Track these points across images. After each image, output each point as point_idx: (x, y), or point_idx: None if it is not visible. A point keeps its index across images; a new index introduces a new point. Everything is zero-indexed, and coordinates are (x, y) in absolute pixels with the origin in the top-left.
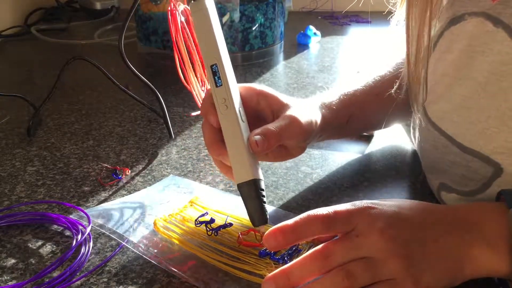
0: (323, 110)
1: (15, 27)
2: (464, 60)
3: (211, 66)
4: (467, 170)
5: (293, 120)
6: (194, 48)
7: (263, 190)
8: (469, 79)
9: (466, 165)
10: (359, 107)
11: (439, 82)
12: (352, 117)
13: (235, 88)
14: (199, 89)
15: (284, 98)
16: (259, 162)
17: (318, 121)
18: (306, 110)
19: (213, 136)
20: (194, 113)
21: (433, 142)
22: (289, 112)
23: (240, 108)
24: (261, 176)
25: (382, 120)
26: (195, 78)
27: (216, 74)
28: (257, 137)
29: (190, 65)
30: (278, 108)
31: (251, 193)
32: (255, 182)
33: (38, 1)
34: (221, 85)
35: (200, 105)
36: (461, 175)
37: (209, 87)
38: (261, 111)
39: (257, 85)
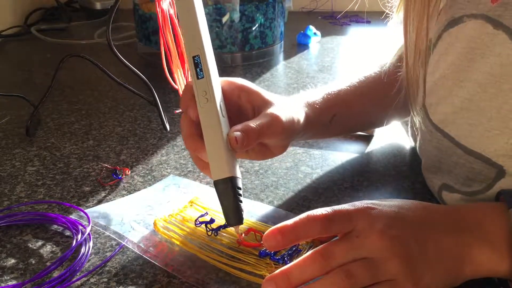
0: (306, 109)
1: (15, 27)
2: (464, 63)
3: (194, 57)
4: (471, 171)
5: (275, 118)
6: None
7: (240, 188)
8: (470, 81)
9: (469, 167)
10: (343, 107)
11: (439, 84)
12: (335, 117)
13: (217, 82)
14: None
15: (266, 94)
16: (258, 163)
17: (301, 120)
18: (288, 108)
19: (191, 130)
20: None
21: (436, 143)
22: (271, 110)
23: (221, 103)
24: (239, 174)
25: (370, 119)
26: (182, 73)
27: (198, 65)
28: (237, 133)
29: (178, 60)
30: (260, 104)
31: (227, 191)
32: (232, 180)
33: (38, 1)
34: (203, 77)
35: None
36: (465, 176)
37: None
38: (242, 106)
39: (239, 80)
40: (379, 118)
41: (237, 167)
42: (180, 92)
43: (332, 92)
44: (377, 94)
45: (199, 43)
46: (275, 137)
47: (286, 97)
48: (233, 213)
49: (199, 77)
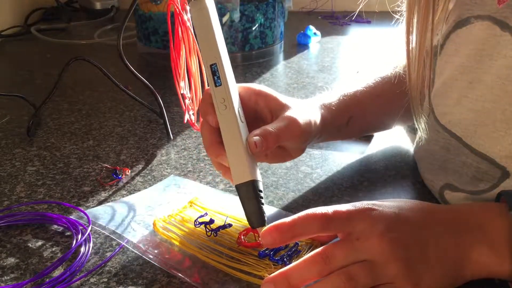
0: (322, 111)
1: (15, 27)
2: (472, 64)
3: (211, 65)
4: (478, 171)
5: (292, 121)
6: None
7: (261, 191)
8: (477, 82)
9: (477, 166)
10: (360, 108)
11: (447, 85)
12: (352, 118)
13: (234, 88)
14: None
15: (283, 98)
16: (258, 163)
17: (318, 122)
18: (305, 111)
19: (211, 137)
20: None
21: (443, 143)
22: (288, 113)
23: (239, 109)
24: (259, 177)
25: (384, 122)
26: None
27: (215, 73)
28: (256, 138)
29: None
30: (277, 108)
31: (249, 194)
32: (254, 183)
33: (38, 1)
34: (221, 85)
35: (184, 109)
36: (472, 176)
37: (207, 87)
38: (259, 111)
39: (256, 85)
40: (395, 119)
41: (258, 170)
42: (181, 99)
43: (348, 94)
44: (393, 95)
45: (215, 52)
46: (293, 140)
47: (302, 100)
48: (256, 216)
49: (217, 84)
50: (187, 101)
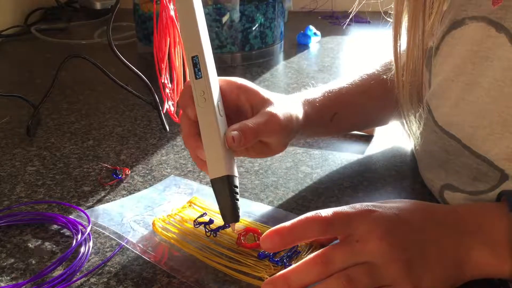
0: (306, 107)
1: (15, 27)
2: (468, 65)
3: (192, 57)
4: (478, 172)
5: (272, 117)
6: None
7: (236, 187)
8: (473, 84)
9: (477, 168)
10: (344, 105)
11: (444, 86)
12: (336, 115)
13: (215, 81)
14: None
15: (265, 93)
16: (259, 164)
17: (300, 118)
18: (286, 106)
19: (190, 129)
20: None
21: (442, 144)
22: (268, 108)
23: (219, 102)
24: (236, 173)
25: (372, 118)
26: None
27: (196, 66)
28: (234, 132)
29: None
30: (258, 103)
31: (224, 189)
32: (229, 178)
33: (38, 1)
34: (201, 77)
35: (164, 97)
36: (472, 177)
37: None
38: (240, 105)
39: (238, 79)
40: (382, 116)
41: (235, 165)
42: (161, 88)
43: (333, 90)
44: (379, 93)
45: (198, 44)
46: (273, 136)
47: (285, 95)
48: (229, 211)
49: (197, 77)
50: (167, 90)
